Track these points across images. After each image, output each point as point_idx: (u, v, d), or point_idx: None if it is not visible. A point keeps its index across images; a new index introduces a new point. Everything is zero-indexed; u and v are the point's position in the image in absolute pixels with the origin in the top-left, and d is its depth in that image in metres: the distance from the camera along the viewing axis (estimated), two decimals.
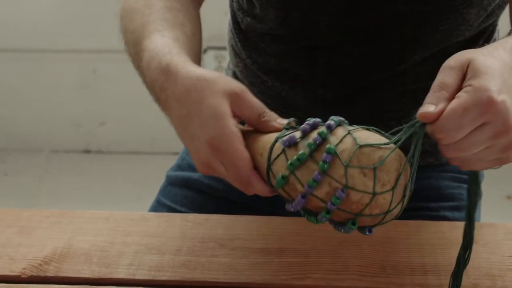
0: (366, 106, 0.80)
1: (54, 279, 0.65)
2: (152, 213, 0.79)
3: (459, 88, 0.53)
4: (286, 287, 0.65)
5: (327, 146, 0.54)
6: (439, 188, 0.84)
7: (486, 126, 0.52)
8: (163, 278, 0.65)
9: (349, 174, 0.53)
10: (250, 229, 0.71)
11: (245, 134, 0.59)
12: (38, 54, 2.05)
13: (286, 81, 0.82)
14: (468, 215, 0.59)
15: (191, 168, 0.88)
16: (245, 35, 0.84)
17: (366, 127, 0.56)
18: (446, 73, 0.54)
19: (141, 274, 0.65)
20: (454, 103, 0.52)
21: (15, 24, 2.01)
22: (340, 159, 0.53)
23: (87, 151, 2.15)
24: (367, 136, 0.54)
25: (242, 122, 0.61)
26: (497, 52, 0.56)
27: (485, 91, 0.51)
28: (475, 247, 0.67)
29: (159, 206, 0.87)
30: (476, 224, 0.72)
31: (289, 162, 0.55)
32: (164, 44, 0.64)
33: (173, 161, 0.93)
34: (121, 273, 0.66)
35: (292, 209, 0.57)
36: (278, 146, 0.57)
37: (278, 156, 0.57)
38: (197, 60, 0.68)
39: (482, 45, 0.80)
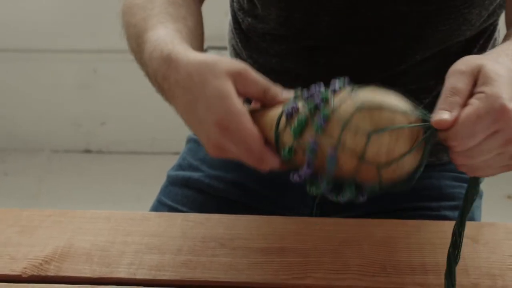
0: None
1: (54, 279, 0.65)
2: (153, 213, 0.79)
3: (471, 94, 0.53)
4: (286, 287, 0.65)
5: (323, 110, 0.53)
6: (440, 188, 0.84)
7: (498, 134, 0.51)
8: (163, 277, 0.65)
9: (345, 136, 0.52)
10: (250, 229, 0.71)
11: (252, 112, 0.59)
12: (39, 54, 2.05)
13: (287, 81, 0.82)
14: (461, 216, 0.59)
15: (192, 167, 0.88)
16: (246, 35, 0.84)
17: (374, 87, 0.55)
18: (458, 78, 0.53)
19: (142, 274, 0.66)
20: (467, 110, 0.51)
21: (15, 24, 2.01)
22: (336, 120, 0.52)
23: (87, 151, 2.15)
24: (371, 97, 0.53)
25: (247, 102, 0.60)
26: (502, 59, 0.56)
27: (498, 98, 0.51)
28: (475, 246, 0.68)
29: (160, 206, 0.87)
30: (477, 224, 0.73)
31: (292, 128, 0.55)
32: (166, 35, 0.64)
33: (173, 161, 0.93)
34: (121, 273, 0.66)
35: (297, 180, 0.56)
36: (284, 118, 0.57)
37: (284, 127, 0.57)
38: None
39: (483, 44, 0.80)
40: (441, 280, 0.64)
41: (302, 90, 0.59)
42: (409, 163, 0.53)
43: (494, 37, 0.82)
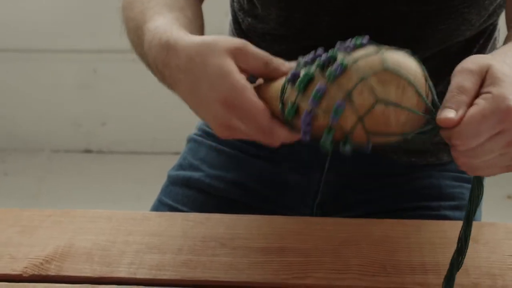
0: None
1: (55, 278, 0.66)
2: (154, 213, 0.79)
3: (477, 94, 0.53)
4: (286, 286, 0.65)
5: (342, 57, 0.53)
6: (440, 187, 0.84)
7: (502, 135, 0.51)
8: (164, 277, 0.65)
9: (359, 91, 0.51)
10: (251, 228, 0.71)
11: (257, 88, 0.59)
12: (39, 54, 2.05)
13: None
14: (467, 219, 0.59)
15: (192, 167, 0.88)
16: (246, 36, 0.84)
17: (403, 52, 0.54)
18: (465, 77, 0.53)
19: (142, 273, 0.66)
20: (473, 110, 0.51)
21: (16, 24, 2.01)
22: (354, 73, 0.51)
23: (87, 151, 2.15)
24: (402, 60, 0.52)
25: (251, 80, 0.60)
26: (509, 60, 0.56)
27: (504, 99, 0.51)
28: (475, 246, 0.68)
29: (160, 206, 0.87)
30: (477, 224, 0.73)
31: (297, 83, 0.54)
32: (164, 23, 0.64)
33: (173, 161, 0.93)
34: (122, 272, 0.66)
35: (302, 134, 0.55)
36: (288, 87, 0.57)
37: (289, 95, 0.56)
38: None
39: (483, 44, 0.80)
40: (441, 280, 0.64)
41: (304, 57, 0.58)
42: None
43: (494, 36, 0.82)
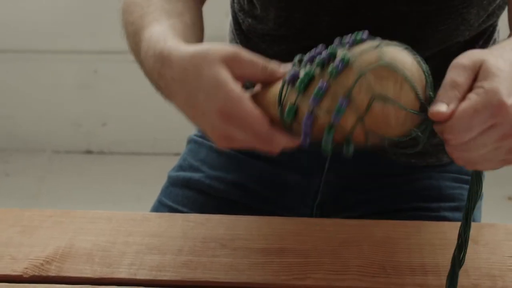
0: None
1: (55, 279, 0.66)
2: (154, 213, 0.79)
3: (470, 89, 0.53)
4: (286, 287, 0.65)
5: (343, 53, 0.52)
6: (440, 189, 0.84)
7: (495, 128, 0.52)
8: (164, 278, 0.65)
9: (359, 88, 0.51)
10: (251, 229, 0.71)
11: (254, 96, 0.58)
12: (40, 55, 2.06)
13: None
14: (466, 215, 0.59)
15: (193, 168, 0.89)
16: (246, 36, 0.84)
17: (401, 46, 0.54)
18: (458, 72, 0.53)
19: (142, 274, 0.66)
20: (465, 104, 0.51)
21: (18, 26, 2.01)
22: (355, 68, 0.51)
23: (88, 152, 2.16)
24: (401, 56, 0.52)
25: (246, 86, 0.60)
26: (506, 55, 0.56)
27: (496, 93, 0.51)
28: (475, 247, 0.68)
29: (160, 207, 0.87)
30: (477, 225, 0.73)
31: (297, 83, 0.54)
32: (159, 32, 0.63)
33: (174, 161, 0.93)
34: (122, 273, 0.66)
35: (302, 139, 0.55)
36: (286, 90, 0.56)
37: (287, 98, 0.55)
38: None
39: (482, 45, 0.80)
40: (441, 281, 0.64)
41: (301, 56, 0.58)
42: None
43: (494, 38, 0.82)
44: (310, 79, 0.54)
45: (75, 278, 0.66)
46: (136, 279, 0.65)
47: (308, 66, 0.55)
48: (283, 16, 0.77)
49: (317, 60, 0.55)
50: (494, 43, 0.83)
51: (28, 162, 2.10)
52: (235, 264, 0.67)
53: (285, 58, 0.81)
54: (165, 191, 0.89)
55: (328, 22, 0.76)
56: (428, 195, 0.84)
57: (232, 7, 0.86)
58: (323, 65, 0.54)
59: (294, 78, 0.56)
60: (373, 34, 0.76)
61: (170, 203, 0.87)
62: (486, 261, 0.67)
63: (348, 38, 0.55)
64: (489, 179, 0.93)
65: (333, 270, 0.66)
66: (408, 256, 0.67)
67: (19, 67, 2.08)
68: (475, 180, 0.58)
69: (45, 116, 2.13)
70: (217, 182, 0.86)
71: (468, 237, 0.60)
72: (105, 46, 2.01)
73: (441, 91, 0.53)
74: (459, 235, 0.60)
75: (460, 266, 0.61)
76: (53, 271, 0.66)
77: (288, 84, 0.56)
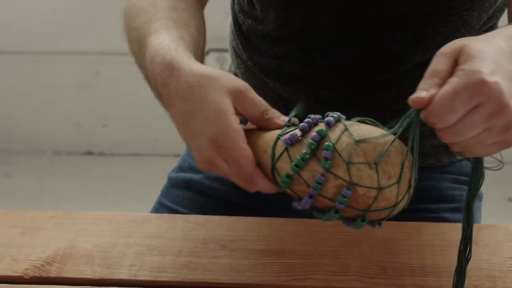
0: (368, 107, 0.80)
1: (56, 280, 0.66)
2: (154, 214, 0.80)
3: (451, 74, 0.53)
4: None
5: (325, 143, 0.54)
6: (440, 190, 0.84)
7: (480, 108, 0.51)
8: (164, 279, 0.65)
9: (352, 170, 0.53)
10: (251, 230, 0.71)
11: (247, 132, 0.59)
12: (41, 56, 2.06)
13: (287, 83, 0.82)
14: (467, 206, 0.59)
15: (193, 169, 0.89)
16: (246, 37, 0.84)
17: (364, 119, 0.56)
18: (439, 60, 0.54)
19: (143, 275, 0.66)
20: (445, 87, 0.52)
21: (19, 27, 2.01)
22: (341, 156, 0.53)
23: (89, 153, 2.16)
24: (366, 130, 0.55)
25: (243, 122, 0.61)
26: (493, 38, 0.57)
27: (476, 73, 0.51)
28: (475, 248, 0.68)
29: (160, 208, 0.87)
30: (477, 226, 0.72)
31: (293, 163, 0.55)
32: (170, 41, 0.64)
33: (174, 163, 0.93)
34: (122, 274, 0.66)
35: (299, 208, 0.57)
36: (281, 144, 0.57)
37: (281, 154, 0.57)
38: (201, 60, 0.68)
39: None
40: (441, 282, 0.64)
41: (298, 116, 0.60)
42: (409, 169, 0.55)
43: None
44: (306, 162, 0.55)
45: (75, 279, 0.66)
46: (136, 280, 0.65)
47: (300, 156, 0.56)
48: (283, 17, 0.77)
49: (307, 144, 0.56)
50: None
51: (29, 163, 2.11)
52: (235, 265, 0.67)
53: (285, 59, 0.81)
54: (165, 192, 0.89)
55: (328, 22, 0.76)
56: (428, 196, 0.84)
57: (232, 8, 0.86)
58: (316, 147, 0.55)
59: (291, 140, 0.57)
60: (373, 35, 0.77)
61: (170, 204, 0.87)
62: (486, 262, 0.67)
63: (329, 118, 0.57)
64: (489, 180, 0.92)
65: (333, 271, 0.66)
66: (408, 257, 0.67)
67: (20, 68, 2.08)
68: (476, 167, 0.58)
69: (46, 117, 2.13)
70: (217, 183, 0.86)
71: (472, 229, 0.60)
72: (106, 47, 2.01)
73: (422, 81, 0.54)
74: (463, 228, 0.60)
75: (468, 261, 0.60)
76: (53, 272, 0.66)
77: (285, 144, 0.57)
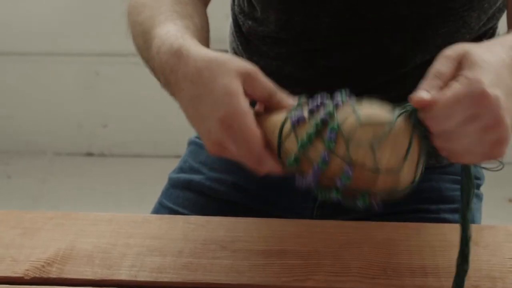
0: None
1: (56, 281, 0.66)
2: (154, 215, 0.80)
3: (453, 77, 0.53)
4: None
5: (330, 124, 0.55)
6: (440, 190, 0.84)
7: (477, 119, 0.52)
8: (165, 279, 0.65)
9: (353, 151, 0.53)
10: (251, 231, 0.71)
11: (256, 115, 0.59)
12: (42, 57, 2.06)
13: (287, 84, 0.82)
14: (462, 214, 0.59)
15: (193, 170, 0.89)
16: (246, 38, 0.84)
17: (373, 101, 0.56)
18: (442, 62, 0.54)
19: (143, 276, 0.66)
20: (447, 92, 0.52)
21: (19, 28, 2.02)
22: (343, 137, 0.54)
23: (89, 154, 2.16)
24: (372, 112, 0.55)
25: (252, 105, 0.61)
26: (495, 48, 0.56)
27: (478, 83, 0.51)
28: (476, 249, 0.68)
29: (161, 208, 0.87)
30: (477, 226, 0.73)
31: (299, 143, 0.56)
32: (176, 30, 0.64)
33: (175, 163, 0.94)
34: (123, 275, 0.66)
35: (302, 186, 0.57)
36: (289, 124, 0.58)
37: (288, 134, 0.57)
38: None
39: None
40: (441, 282, 0.64)
41: (306, 98, 0.60)
42: (414, 157, 0.55)
43: None
44: (312, 140, 0.56)
45: (76, 280, 0.66)
46: (136, 281, 0.65)
47: (306, 135, 0.56)
48: (283, 19, 0.77)
49: (314, 122, 0.56)
50: None
51: (29, 164, 2.11)
52: (235, 266, 0.67)
53: (285, 60, 0.81)
54: (165, 193, 0.89)
55: (328, 24, 0.76)
56: (428, 197, 0.84)
57: (233, 9, 0.86)
58: (323, 124, 0.56)
59: (299, 121, 0.57)
60: (373, 36, 0.77)
61: (170, 205, 0.87)
62: (486, 262, 0.67)
63: (337, 97, 0.57)
64: (489, 180, 0.93)
65: (333, 271, 0.66)
66: (408, 258, 0.67)
67: (20, 69, 2.08)
68: (465, 176, 0.58)
69: (46, 118, 2.13)
70: (217, 184, 0.86)
71: (469, 237, 0.60)
72: (106, 48, 2.02)
73: (424, 81, 0.54)
74: (461, 239, 0.60)
75: (465, 272, 0.60)
76: (54, 273, 0.66)
77: (292, 124, 0.57)
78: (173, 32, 0.64)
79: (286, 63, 0.81)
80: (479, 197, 0.89)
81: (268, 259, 0.67)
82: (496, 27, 0.82)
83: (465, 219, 0.59)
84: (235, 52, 0.88)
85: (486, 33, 0.80)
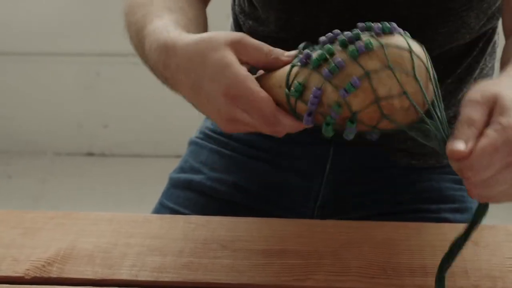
0: None
1: (57, 280, 0.66)
2: (155, 215, 0.80)
3: (486, 124, 0.52)
4: None
5: (368, 39, 0.54)
6: (440, 190, 0.84)
7: None
8: (165, 279, 0.66)
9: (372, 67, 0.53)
10: (251, 231, 0.72)
11: (258, 79, 0.59)
12: (42, 57, 2.06)
13: None
14: (467, 233, 0.59)
15: (194, 170, 0.89)
16: None
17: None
18: (473, 108, 0.53)
19: (144, 275, 0.66)
20: (483, 142, 0.51)
21: (20, 28, 2.02)
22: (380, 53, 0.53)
23: (90, 154, 2.16)
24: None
25: (251, 72, 0.60)
26: None
27: None
28: (476, 248, 0.68)
29: (162, 209, 0.87)
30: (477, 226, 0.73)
31: (313, 58, 0.55)
32: (162, 25, 0.64)
33: (175, 163, 0.94)
34: (123, 274, 0.66)
35: (308, 113, 0.55)
36: (294, 71, 0.57)
37: (296, 76, 0.56)
38: None
39: (482, 48, 0.81)
40: None
41: (306, 43, 0.59)
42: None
43: (494, 40, 0.82)
44: (330, 55, 0.55)
45: (76, 279, 0.66)
46: (137, 281, 0.66)
47: (326, 46, 0.56)
48: (283, 19, 0.77)
49: (340, 38, 0.55)
50: (494, 45, 0.83)
51: (29, 164, 2.11)
52: (236, 266, 0.67)
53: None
54: (166, 193, 0.89)
55: (328, 24, 0.75)
56: (428, 196, 0.84)
57: (233, 9, 0.86)
58: (345, 45, 0.55)
59: (307, 57, 0.56)
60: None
61: (171, 205, 0.87)
62: (486, 262, 0.67)
63: (374, 25, 0.56)
64: None
65: (333, 271, 0.66)
66: (408, 258, 0.67)
67: (20, 69, 2.08)
68: (482, 209, 0.57)
69: (47, 118, 2.13)
70: (218, 184, 0.86)
71: (462, 248, 0.59)
72: (107, 48, 2.02)
73: (458, 129, 0.52)
74: (453, 243, 0.60)
75: (446, 270, 0.60)
76: (54, 273, 0.66)
77: (300, 64, 0.56)
78: (159, 28, 0.64)
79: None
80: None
81: (268, 259, 0.68)
82: (496, 27, 0.82)
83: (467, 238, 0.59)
84: None
85: (485, 33, 0.80)
